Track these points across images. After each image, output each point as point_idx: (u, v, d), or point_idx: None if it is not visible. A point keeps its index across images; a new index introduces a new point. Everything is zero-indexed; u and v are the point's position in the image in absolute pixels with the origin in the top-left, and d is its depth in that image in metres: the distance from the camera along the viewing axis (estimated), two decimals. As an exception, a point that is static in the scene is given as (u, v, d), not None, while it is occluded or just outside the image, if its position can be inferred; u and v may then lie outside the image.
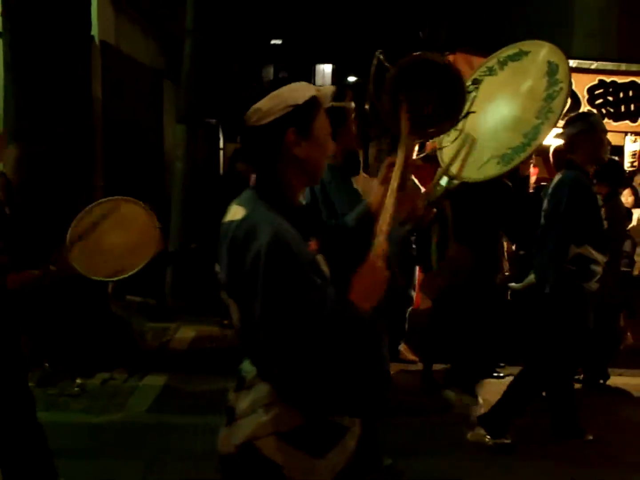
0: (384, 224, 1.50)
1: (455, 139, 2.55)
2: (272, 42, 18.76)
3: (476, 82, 2.72)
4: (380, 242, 1.46)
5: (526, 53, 2.73)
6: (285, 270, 1.34)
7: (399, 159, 1.68)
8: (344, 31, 15.39)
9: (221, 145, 12.82)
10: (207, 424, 3.79)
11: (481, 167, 2.51)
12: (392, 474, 3.10)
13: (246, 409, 1.43)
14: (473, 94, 2.45)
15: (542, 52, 2.66)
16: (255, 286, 1.33)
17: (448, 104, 1.83)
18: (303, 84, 1.53)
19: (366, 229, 1.60)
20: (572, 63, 4.74)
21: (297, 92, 1.49)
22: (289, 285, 1.33)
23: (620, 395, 4.47)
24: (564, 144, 3.53)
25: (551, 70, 2.56)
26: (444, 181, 2.76)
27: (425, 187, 3.76)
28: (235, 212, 1.45)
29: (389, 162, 1.72)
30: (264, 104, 1.47)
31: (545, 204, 3.48)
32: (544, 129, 2.51)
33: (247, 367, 1.47)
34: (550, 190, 3.49)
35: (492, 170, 2.52)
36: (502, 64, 2.77)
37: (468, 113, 2.18)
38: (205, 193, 7.03)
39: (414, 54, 1.81)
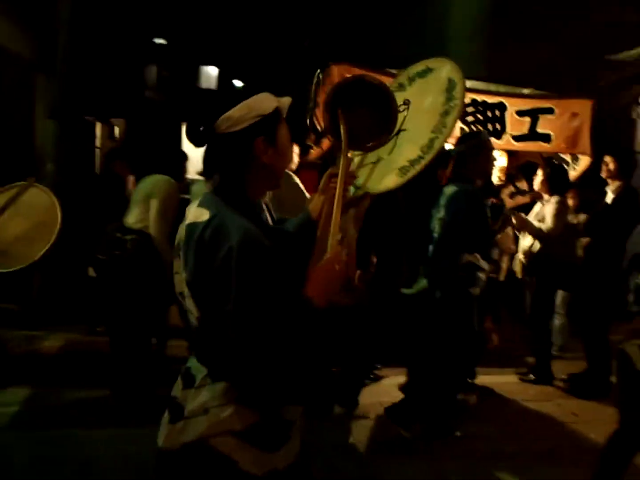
0: (334, 227, 1.63)
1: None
2: (156, 41, 18.19)
3: (407, 102, 2.85)
4: (333, 244, 1.57)
5: (431, 70, 2.84)
6: (257, 267, 1.42)
7: (341, 170, 1.82)
8: (230, 34, 15.28)
9: (98, 143, 12.22)
10: (74, 435, 3.62)
11: (383, 179, 2.61)
12: None
13: (198, 407, 1.49)
14: (404, 113, 2.55)
15: (445, 69, 2.78)
16: (228, 283, 1.40)
17: (382, 120, 2.06)
18: (267, 94, 1.64)
19: (306, 234, 1.74)
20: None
21: (263, 102, 1.60)
22: (261, 281, 1.42)
23: (486, 392, 4.75)
24: (455, 159, 3.73)
25: (450, 87, 2.70)
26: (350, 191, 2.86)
27: (309, 193, 3.82)
28: (199, 214, 1.51)
29: (330, 173, 1.85)
30: (234, 113, 1.56)
31: (441, 214, 3.63)
32: (437, 143, 2.65)
33: (196, 366, 1.53)
34: (445, 201, 3.66)
35: (391, 181, 2.62)
36: (411, 80, 2.86)
37: (400, 130, 2.38)
38: (78, 193, 6.66)
39: (351, 75, 2.07)
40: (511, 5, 6.77)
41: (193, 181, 4.72)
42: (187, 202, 4.19)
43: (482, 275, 3.59)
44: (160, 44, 18.40)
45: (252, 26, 13.26)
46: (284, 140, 1.65)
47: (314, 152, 6.01)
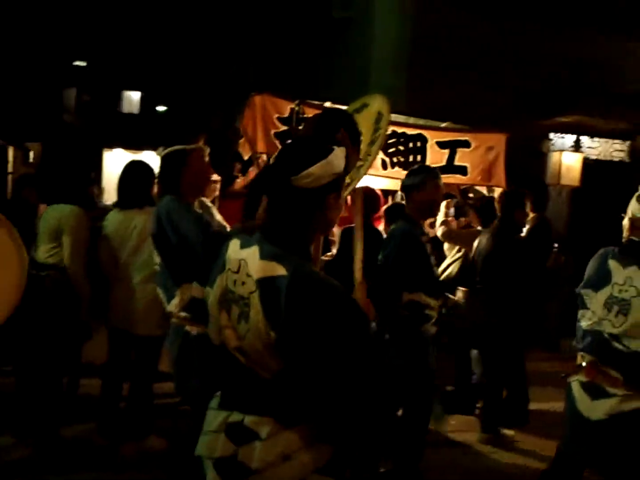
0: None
1: None
2: (75, 63, 17.72)
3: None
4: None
5: (366, 105, 3.09)
6: (362, 319, 1.58)
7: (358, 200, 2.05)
8: (154, 59, 15.06)
9: (10, 169, 11.66)
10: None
11: None
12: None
13: (275, 457, 1.52)
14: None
15: (376, 103, 3.04)
16: (339, 337, 1.48)
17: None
18: (341, 152, 1.67)
19: None
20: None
21: (339, 161, 1.64)
22: (368, 331, 1.61)
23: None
24: (402, 196, 3.77)
25: (378, 118, 2.87)
26: None
27: (230, 224, 3.74)
28: (270, 268, 1.54)
29: None
30: (315, 170, 1.58)
31: (380, 255, 3.63)
32: (362, 170, 2.78)
33: (254, 419, 1.55)
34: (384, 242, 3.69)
35: None
36: (357, 112, 3.10)
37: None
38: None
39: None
40: (428, 42, 7.01)
41: (106, 208, 4.55)
42: (99, 230, 4.01)
43: (431, 313, 3.52)
44: (80, 67, 17.97)
45: (176, 51, 13.14)
46: (341, 198, 1.72)
47: (240, 182, 5.95)
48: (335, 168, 1.63)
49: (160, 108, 17.12)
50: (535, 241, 5.18)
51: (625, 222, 2.64)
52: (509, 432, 4.69)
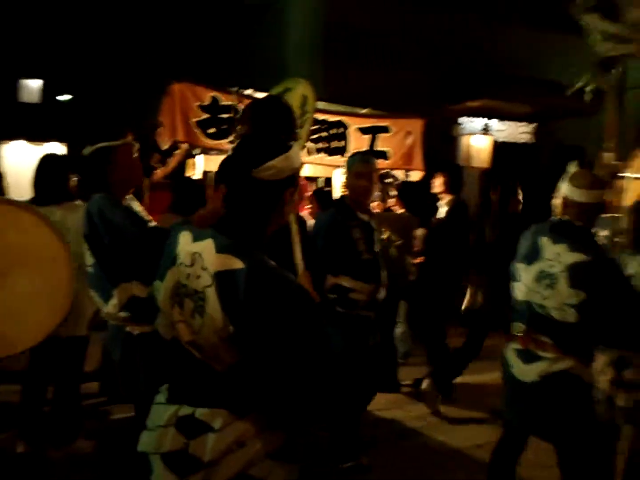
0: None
1: None
2: (-34, 50, 16.54)
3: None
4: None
5: (290, 89, 3.15)
6: (315, 309, 1.64)
7: None
8: (55, 44, 14.27)
9: None
10: None
11: None
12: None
13: (230, 445, 1.54)
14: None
15: (300, 87, 3.16)
16: (294, 328, 1.50)
17: None
18: (298, 150, 1.73)
19: None
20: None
21: (298, 157, 1.70)
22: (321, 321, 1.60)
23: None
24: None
25: (304, 102, 2.92)
26: None
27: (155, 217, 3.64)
28: (227, 262, 1.53)
29: None
30: (277, 163, 1.61)
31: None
32: None
33: (206, 412, 1.56)
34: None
35: None
36: None
37: None
38: None
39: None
40: (342, 29, 7.07)
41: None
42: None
43: (358, 296, 3.57)
44: (-28, 54, 16.80)
45: (82, 36, 12.50)
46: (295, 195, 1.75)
47: (160, 172, 5.78)
48: (294, 163, 1.67)
49: (64, 97, 16.31)
50: (453, 222, 5.36)
51: (557, 201, 2.78)
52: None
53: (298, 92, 3.10)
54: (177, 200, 4.11)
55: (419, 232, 5.67)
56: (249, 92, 5.55)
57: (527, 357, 2.73)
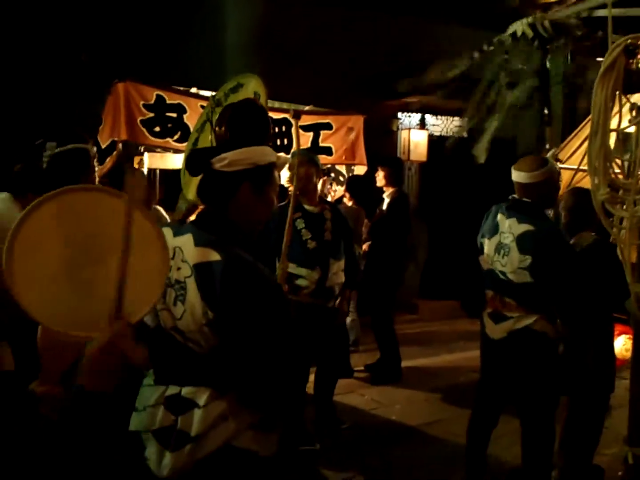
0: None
1: None
2: None
3: None
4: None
5: (242, 85, 3.23)
6: (285, 303, 1.75)
7: None
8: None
9: None
10: None
11: None
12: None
13: (215, 419, 1.64)
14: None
15: (252, 83, 3.20)
16: (262, 316, 1.61)
17: None
18: (269, 149, 1.79)
19: None
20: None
21: (261, 154, 1.75)
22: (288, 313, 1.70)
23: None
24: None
25: (256, 98, 2.96)
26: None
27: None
28: (205, 254, 1.63)
29: None
30: (232, 155, 1.70)
31: None
32: None
33: (191, 390, 1.65)
34: None
35: None
36: (227, 95, 3.24)
37: None
38: None
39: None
40: (277, 26, 7.15)
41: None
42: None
43: (303, 282, 3.82)
44: None
45: (12, 33, 11.99)
46: (269, 193, 1.80)
47: (98, 171, 5.72)
48: (254, 158, 1.73)
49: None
50: (395, 213, 5.59)
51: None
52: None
53: (249, 88, 3.18)
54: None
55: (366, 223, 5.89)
56: (193, 90, 5.60)
57: (497, 317, 3.09)
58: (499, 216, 3.11)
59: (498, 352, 3.11)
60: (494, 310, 3.11)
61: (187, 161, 1.81)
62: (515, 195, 3.12)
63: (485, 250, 3.18)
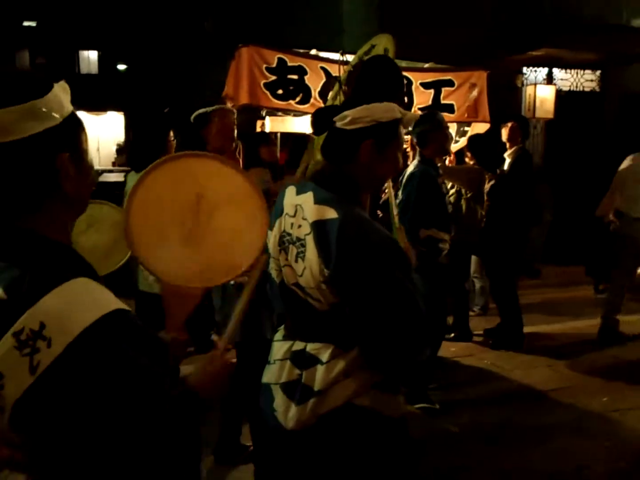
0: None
1: None
2: (25, 24, 16.98)
3: None
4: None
5: (374, 46, 3.36)
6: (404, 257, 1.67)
7: None
8: (108, 14, 14.48)
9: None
10: None
11: None
12: None
13: (337, 375, 1.66)
14: None
15: (383, 41, 3.38)
16: (380, 274, 1.58)
17: None
18: (394, 105, 1.73)
19: None
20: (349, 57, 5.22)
21: (383, 110, 1.70)
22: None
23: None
24: (416, 141, 3.94)
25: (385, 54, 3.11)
26: None
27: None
28: (322, 212, 1.64)
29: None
30: (353, 112, 1.67)
31: (399, 194, 3.87)
32: None
33: (315, 346, 1.69)
34: (404, 181, 3.91)
35: None
36: (361, 60, 3.33)
37: None
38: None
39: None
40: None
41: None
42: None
43: (444, 246, 3.82)
44: (31, 27, 17.18)
45: (134, 5, 12.64)
46: (393, 151, 1.75)
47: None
48: (374, 115, 1.69)
49: (121, 67, 16.62)
50: (517, 174, 5.35)
51: None
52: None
53: (380, 47, 3.24)
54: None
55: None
56: (313, 52, 5.62)
57: None
58: None
59: None
60: None
61: (312, 120, 1.81)
62: None
63: None
